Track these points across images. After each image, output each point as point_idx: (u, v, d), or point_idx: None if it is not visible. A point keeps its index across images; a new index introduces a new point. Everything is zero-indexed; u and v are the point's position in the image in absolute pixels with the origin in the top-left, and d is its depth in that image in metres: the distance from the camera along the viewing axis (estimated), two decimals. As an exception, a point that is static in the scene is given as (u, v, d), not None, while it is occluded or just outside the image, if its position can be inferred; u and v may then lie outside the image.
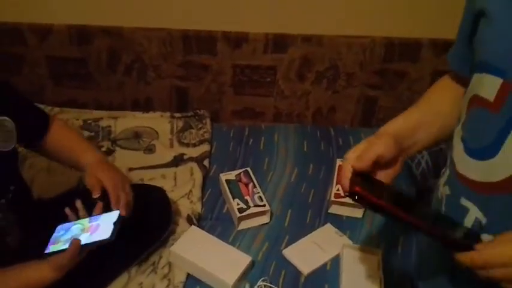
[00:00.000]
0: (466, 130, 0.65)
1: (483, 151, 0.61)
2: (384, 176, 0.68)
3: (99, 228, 0.90)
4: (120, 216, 0.92)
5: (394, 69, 1.60)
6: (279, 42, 1.56)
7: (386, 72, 1.61)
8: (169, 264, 1.16)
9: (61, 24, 1.57)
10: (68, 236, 0.90)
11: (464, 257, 0.57)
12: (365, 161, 0.64)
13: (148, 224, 1.14)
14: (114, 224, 0.89)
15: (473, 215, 0.63)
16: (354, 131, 1.65)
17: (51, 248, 0.89)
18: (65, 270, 0.88)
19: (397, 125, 0.73)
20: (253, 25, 1.55)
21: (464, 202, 0.64)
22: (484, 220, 0.62)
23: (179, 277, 1.13)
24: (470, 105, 0.64)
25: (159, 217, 1.19)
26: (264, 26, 1.55)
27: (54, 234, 0.93)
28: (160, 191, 1.23)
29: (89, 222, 0.93)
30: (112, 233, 0.87)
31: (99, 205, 0.95)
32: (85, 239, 0.88)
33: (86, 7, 1.55)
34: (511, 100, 0.57)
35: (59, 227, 0.94)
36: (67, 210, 0.95)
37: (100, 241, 0.87)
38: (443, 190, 0.71)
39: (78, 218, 0.95)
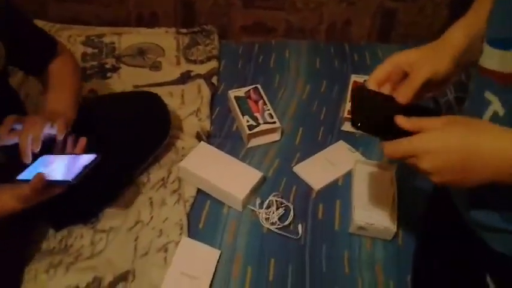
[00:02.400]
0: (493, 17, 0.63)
1: (504, 41, 0.59)
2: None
3: (71, 168, 0.82)
4: (93, 161, 0.82)
5: (417, -23, 1.49)
6: None
7: (408, -19, 1.50)
8: (179, 179, 1.15)
9: None
10: (43, 168, 0.84)
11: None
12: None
13: (145, 131, 1.11)
14: (84, 167, 0.81)
15: (493, 108, 0.63)
16: (370, 47, 1.57)
17: (24, 175, 0.83)
18: (29, 202, 0.82)
19: (461, 38, 0.70)
20: None
21: (487, 95, 0.64)
22: (501, 112, 0.62)
23: (189, 192, 1.12)
24: None
25: (156, 122, 1.15)
26: None
27: (35, 163, 0.86)
28: (155, 97, 1.18)
29: (67, 159, 0.86)
30: (76, 177, 0.79)
31: (81, 143, 0.87)
32: (53, 175, 0.81)
33: None
34: None
35: (42, 157, 0.87)
36: (58, 139, 0.88)
37: (61, 181, 0.80)
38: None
39: (63, 152, 0.89)
